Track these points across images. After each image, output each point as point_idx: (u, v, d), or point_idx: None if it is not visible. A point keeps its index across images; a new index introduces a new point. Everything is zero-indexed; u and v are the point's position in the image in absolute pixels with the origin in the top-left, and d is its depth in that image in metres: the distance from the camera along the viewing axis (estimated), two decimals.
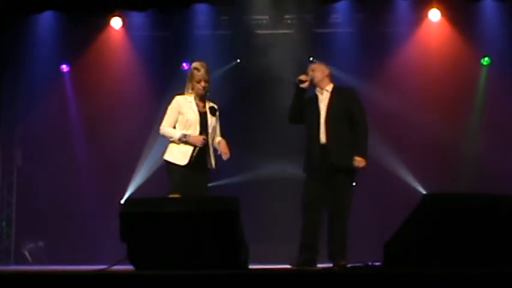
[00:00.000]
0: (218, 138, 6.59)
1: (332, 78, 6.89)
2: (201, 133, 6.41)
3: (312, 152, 6.64)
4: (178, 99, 6.51)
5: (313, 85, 6.77)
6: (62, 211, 10.58)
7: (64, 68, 10.97)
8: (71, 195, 10.70)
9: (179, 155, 6.36)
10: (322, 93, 6.75)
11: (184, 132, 6.38)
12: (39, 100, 10.80)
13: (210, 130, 6.48)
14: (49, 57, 10.61)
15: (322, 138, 6.58)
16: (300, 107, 6.76)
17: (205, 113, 6.51)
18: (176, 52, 10.51)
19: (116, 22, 10.52)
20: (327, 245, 6.61)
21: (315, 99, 6.76)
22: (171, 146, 6.44)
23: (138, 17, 10.54)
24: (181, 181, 6.29)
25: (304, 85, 6.67)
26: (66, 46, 10.68)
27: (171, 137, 6.41)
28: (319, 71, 6.80)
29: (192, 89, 6.51)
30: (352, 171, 6.61)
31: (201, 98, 6.52)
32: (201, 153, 6.39)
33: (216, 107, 6.59)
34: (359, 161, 6.56)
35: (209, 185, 6.62)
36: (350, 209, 6.60)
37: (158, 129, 6.53)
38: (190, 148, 6.35)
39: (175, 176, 6.34)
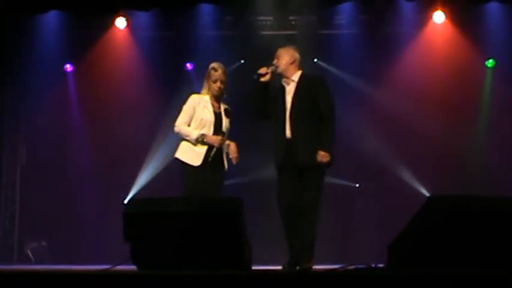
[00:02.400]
0: (227, 141, 6.54)
1: (300, 64, 6.44)
2: (215, 134, 6.38)
3: (278, 148, 6.30)
4: (194, 98, 6.47)
5: (278, 74, 6.39)
6: (65, 210, 10.59)
7: (68, 67, 10.98)
8: (75, 195, 10.70)
9: (193, 155, 6.30)
10: (288, 84, 6.35)
11: (202, 132, 6.33)
12: (43, 99, 10.82)
13: (224, 131, 6.46)
14: (53, 57, 10.63)
15: (288, 133, 6.21)
16: (263, 102, 6.36)
17: (220, 113, 6.48)
18: (180, 52, 10.52)
19: (120, 22, 10.54)
20: (289, 245, 6.23)
21: (282, 91, 6.36)
22: (185, 144, 6.37)
23: (142, 17, 10.55)
24: (196, 182, 6.25)
25: (265, 78, 6.29)
26: (70, 46, 10.70)
27: (188, 136, 6.34)
28: (283, 59, 6.36)
29: (208, 89, 6.49)
30: (320, 167, 6.17)
31: (217, 99, 6.50)
32: (216, 154, 6.35)
33: (230, 109, 6.57)
34: (322, 156, 6.07)
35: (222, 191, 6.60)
36: (318, 207, 6.19)
37: (173, 126, 6.44)
38: (205, 148, 6.32)
39: (190, 176, 6.28)
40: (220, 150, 6.37)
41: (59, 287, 4.03)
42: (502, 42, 10.23)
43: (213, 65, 6.51)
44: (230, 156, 6.44)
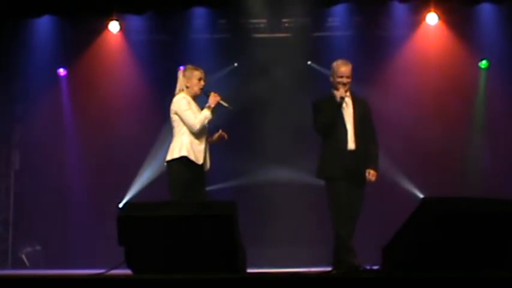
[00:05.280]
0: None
1: None
2: (208, 130, 6.42)
3: (340, 158, 6.37)
4: (183, 96, 6.43)
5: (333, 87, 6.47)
6: (60, 215, 10.56)
7: (61, 71, 10.95)
8: (69, 199, 10.68)
9: (197, 153, 6.30)
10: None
11: (205, 108, 6.35)
12: (36, 104, 10.79)
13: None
14: (47, 61, 10.60)
15: (352, 145, 6.38)
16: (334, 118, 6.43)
17: None
18: (174, 56, 10.49)
19: (114, 26, 10.51)
20: (351, 248, 6.43)
21: (335, 104, 6.42)
22: (186, 142, 6.30)
23: (135, 21, 10.52)
24: (188, 180, 6.24)
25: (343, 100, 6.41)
26: (63, 50, 10.67)
27: (206, 118, 6.31)
28: (350, 82, 6.49)
29: (188, 90, 6.46)
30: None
31: (195, 100, 6.49)
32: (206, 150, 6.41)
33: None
34: (373, 175, 6.45)
35: (206, 189, 6.59)
36: None
37: (193, 128, 6.32)
38: (203, 146, 6.34)
39: (184, 173, 6.23)
40: (207, 147, 6.41)
41: None
42: (495, 43, 10.24)
43: (192, 65, 6.55)
44: (218, 136, 6.49)
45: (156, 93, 10.20)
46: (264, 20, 10.63)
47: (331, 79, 6.55)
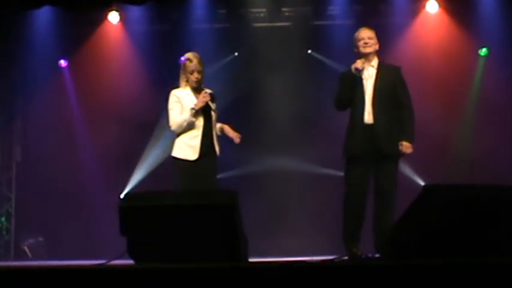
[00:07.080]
0: (218, 124, 6.52)
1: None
2: (205, 122, 6.33)
3: (356, 133, 6.09)
4: (175, 93, 6.44)
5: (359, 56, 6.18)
6: (62, 206, 10.57)
7: (62, 63, 10.94)
8: (71, 190, 10.69)
9: (188, 150, 6.28)
10: (367, 69, 6.15)
11: (190, 108, 6.27)
12: (37, 95, 10.80)
13: (213, 117, 6.44)
14: (47, 53, 10.59)
15: (368, 118, 6.04)
16: (352, 92, 6.10)
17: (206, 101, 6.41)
18: (174, 46, 10.48)
19: (114, 17, 10.50)
20: (374, 234, 6.21)
21: (358, 75, 6.14)
22: (179, 141, 6.33)
23: (135, 11, 10.52)
24: (190, 180, 6.23)
25: (361, 72, 6.07)
26: (64, 41, 10.66)
27: (184, 120, 6.26)
28: (374, 45, 6.18)
29: (187, 81, 6.43)
30: (398, 156, 6.18)
31: (196, 91, 6.43)
32: (207, 142, 6.34)
33: (213, 92, 6.47)
34: (406, 147, 6.09)
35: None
36: (396, 193, 6.17)
37: (170, 128, 6.41)
38: (199, 141, 6.29)
39: (184, 175, 6.26)
40: (209, 138, 6.35)
41: (56, 282, 4.03)
42: (495, 31, 10.21)
43: (188, 55, 6.45)
44: (230, 136, 6.44)
45: (157, 84, 10.19)
46: (263, 9, 10.62)
47: (355, 50, 6.28)
